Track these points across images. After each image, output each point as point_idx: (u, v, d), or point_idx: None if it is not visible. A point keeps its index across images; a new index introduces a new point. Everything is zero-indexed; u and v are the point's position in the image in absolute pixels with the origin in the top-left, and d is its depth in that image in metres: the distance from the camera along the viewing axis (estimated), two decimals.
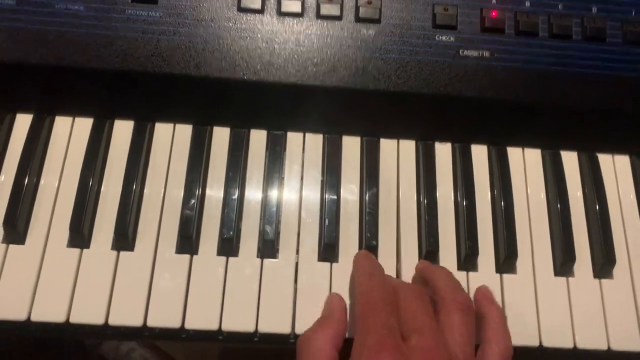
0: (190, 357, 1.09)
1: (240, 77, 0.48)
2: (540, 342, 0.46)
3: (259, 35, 0.48)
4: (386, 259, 0.47)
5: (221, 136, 0.51)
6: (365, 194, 0.49)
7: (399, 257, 0.48)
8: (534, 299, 0.48)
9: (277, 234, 0.47)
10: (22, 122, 0.49)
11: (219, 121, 0.51)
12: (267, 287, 0.46)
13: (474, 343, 0.40)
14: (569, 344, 0.46)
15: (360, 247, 0.48)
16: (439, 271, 0.44)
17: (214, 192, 0.48)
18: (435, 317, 0.40)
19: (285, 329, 0.44)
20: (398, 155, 0.52)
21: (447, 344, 0.38)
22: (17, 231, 0.45)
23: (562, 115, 0.51)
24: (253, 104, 0.50)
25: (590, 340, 0.47)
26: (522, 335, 0.46)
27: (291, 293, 0.46)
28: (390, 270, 0.47)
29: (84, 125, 0.50)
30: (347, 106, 0.50)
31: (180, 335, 0.44)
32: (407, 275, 0.47)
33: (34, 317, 0.43)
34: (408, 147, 0.52)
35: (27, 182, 0.46)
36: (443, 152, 0.52)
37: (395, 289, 0.41)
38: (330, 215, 0.48)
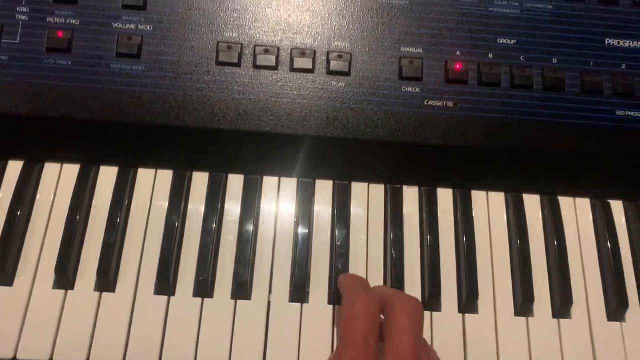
0: None
1: (217, 126, 0.51)
2: None
3: (235, 87, 0.51)
4: None
5: (200, 180, 0.54)
6: (336, 236, 0.52)
7: None
8: (494, 338, 0.50)
9: (251, 275, 0.50)
10: (13, 169, 0.52)
11: (198, 166, 0.54)
12: (240, 328, 0.48)
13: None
14: None
15: (329, 288, 0.51)
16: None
17: (193, 234, 0.51)
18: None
19: None
20: (368, 198, 0.54)
21: None
22: (5, 273, 0.48)
23: (524, 160, 0.54)
24: (230, 150, 0.53)
25: None
26: None
27: (262, 333, 0.48)
28: None
29: (72, 171, 0.53)
30: (320, 153, 0.53)
31: None
32: None
33: (20, 356, 0.46)
34: (378, 190, 0.55)
35: (17, 226, 0.49)
36: (410, 195, 0.55)
37: (391, 302, 0.41)
38: (301, 257, 0.51)
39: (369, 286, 0.45)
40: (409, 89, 0.53)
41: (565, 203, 0.56)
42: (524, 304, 0.51)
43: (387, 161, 0.54)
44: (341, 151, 0.53)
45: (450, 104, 0.53)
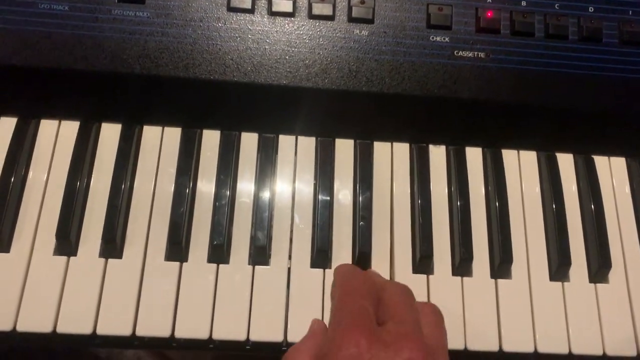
0: (184, 356, 1.09)
1: (230, 78, 0.47)
2: (535, 348, 0.46)
3: (249, 36, 0.47)
4: (380, 264, 0.47)
5: (211, 139, 0.49)
6: (359, 198, 0.48)
7: (393, 262, 0.47)
8: (529, 304, 0.47)
9: (270, 239, 0.46)
10: (6, 126, 0.48)
11: (208, 124, 0.50)
12: (258, 295, 0.45)
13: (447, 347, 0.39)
14: (564, 350, 0.46)
15: (353, 253, 0.47)
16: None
17: (204, 197, 0.47)
18: None
19: (277, 337, 0.44)
20: (392, 159, 0.51)
21: (426, 337, 0.36)
22: (1, 239, 0.44)
23: (558, 117, 0.51)
24: (243, 106, 0.49)
25: (586, 345, 0.46)
26: (517, 341, 0.46)
27: (283, 300, 0.45)
28: (385, 275, 0.46)
29: (70, 128, 0.48)
30: (340, 109, 0.49)
31: (170, 344, 0.44)
32: (401, 279, 0.46)
33: (20, 327, 0.42)
34: (402, 150, 0.51)
35: (12, 187, 0.45)
36: (437, 155, 0.51)
37: (382, 285, 0.40)
38: (323, 221, 0.47)
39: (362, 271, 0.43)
40: (438, 39, 0.49)
41: (600, 163, 0.52)
42: (559, 269, 0.48)
43: (413, 118, 0.50)
44: (363, 107, 0.49)
45: (482, 54, 0.49)
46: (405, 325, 0.36)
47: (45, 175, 0.47)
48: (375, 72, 0.48)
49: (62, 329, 0.43)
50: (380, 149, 0.51)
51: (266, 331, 0.44)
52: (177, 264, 0.45)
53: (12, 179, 0.45)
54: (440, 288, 0.47)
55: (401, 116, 0.50)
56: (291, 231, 0.47)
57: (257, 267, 0.46)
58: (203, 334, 0.43)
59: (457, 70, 0.48)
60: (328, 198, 0.48)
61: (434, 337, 0.37)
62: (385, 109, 0.49)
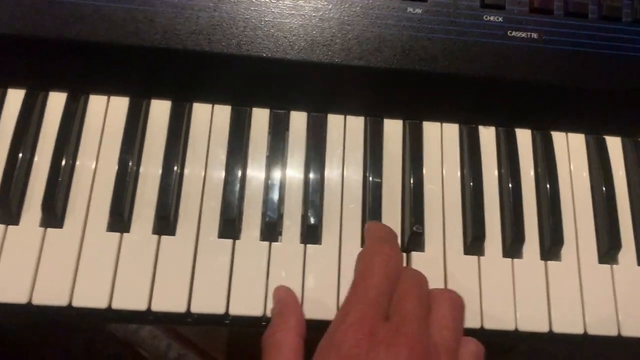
0: (201, 338, 1.09)
1: (282, 56, 0.46)
2: (585, 330, 0.46)
3: (303, 13, 0.46)
4: (430, 245, 0.47)
5: (261, 117, 0.49)
6: (409, 180, 0.48)
7: (445, 242, 0.47)
8: (578, 286, 0.47)
9: (320, 219, 0.46)
10: (56, 101, 0.47)
11: (258, 102, 0.49)
12: (310, 272, 0.45)
13: (460, 340, 0.38)
14: (613, 332, 0.46)
15: (403, 232, 0.47)
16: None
17: (255, 174, 0.47)
18: None
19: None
20: (442, 140, 0.50)
21: (431, 337, 0.36)
22: (55, 214, 0.44)
23: (608, 100, 0.50)
24: (295, 84, 0.48)
25: (635, 328, 0.46)
26: (566, 323, 0.46)
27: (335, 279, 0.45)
28: (437, 257, 0.46)
29: (120, 104, 0.48)
30: (390, 88, 0.49)
31: (223, 321, 0.43)
32: (452, 260, 0.46)
33: (75, 303, 0.42)
34: (451, 130, 0.51)
35: (64, 164, 0.45)
36: (487, 136, 0.51)
37: (399, 272, 0.39)
38: (373, 202, 0.47)
39: (395, 241, 0.42)
40: (491, 18, 0.48)
41: None
42: (609, 251, 0.48)
43: (463, 98, 0.50)
44: (415, 86, 0.49)
45: (535, 35, 0.48)
46: (409, 325, 0.35)
47: (96, 151, 0.46)
48: (428, 51, 0.47)
49: (116, 304, 0.42)
50: (430, 129, 0.50)
51: (321, 310, 0.44)
52: (229, 241, 0.45)
53: (64, 155, 0.45)
54: (490, 269, 0.47)
55: (452, 96, 0.50)
56: (341, 211, 0.47)
57: (308, 245, 0.45)
58: (257, 312, 0.43)
59: (510, 50, 0.48)
60: (379, 180, 0.48)
61: (440, 336, 0.36)
62: (437, 88, 0.49)
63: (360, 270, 0.39)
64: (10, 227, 0.44)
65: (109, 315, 0.42)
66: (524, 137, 0.51)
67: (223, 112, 0.49)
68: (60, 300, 0.42)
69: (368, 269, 0.38)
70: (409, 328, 0.35)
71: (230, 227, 0.45)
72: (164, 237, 0.44)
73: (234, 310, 0.43)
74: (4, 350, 1.02)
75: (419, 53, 0.47)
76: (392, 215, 0.47)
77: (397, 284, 0.38)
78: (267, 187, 0.46)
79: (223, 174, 0.46)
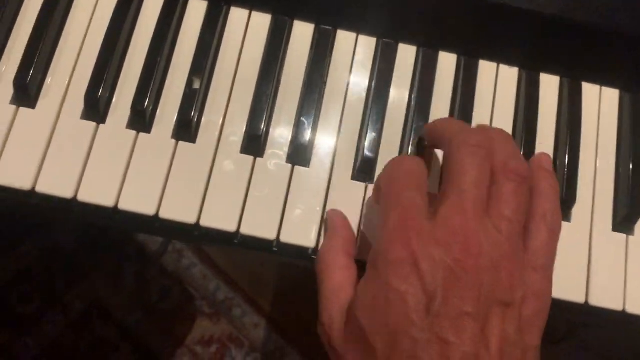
0: (248, 284, 1.08)
1: None
2: (587, 300, 0.42)
3: None
4: None
5: (303, 32, 0.45)
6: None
7: None
8: (587, 253, 0.42)
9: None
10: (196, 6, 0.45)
11: (301, 15, 0.45)
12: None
13: (523, 219, 0.33)
14: (618, 306, 0.42)
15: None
16: (496, 132, 0.36)
17: (290, 89, 0.44)
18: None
19: (307, 241, 0.41)
20: (496, 82, 0.46)
21: (491, 218, 0.32)
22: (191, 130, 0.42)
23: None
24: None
25: None
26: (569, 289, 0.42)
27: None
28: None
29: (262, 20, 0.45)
30: (446, 18, 0.44)
31: (233, 240, 0.41)
32: None
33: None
34: (509, 74, 0.46)
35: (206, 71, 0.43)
36: (548, 83, 0.46)
37: (450, 135, 0.35)
38: None
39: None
40: None
41: None
42: (627, 219, 0.43)
43: (525, 39, 0.45)
44: (472, 17, 0.44)
45: None
46: (460, 215, 0.31)
47: (235, 65, 0.44)
48: None
49: (123, 206, 0.40)
50: (486, 68, 0.46)
51: (296, 235, 0.41)
52: (251, 158, 0.42)
53: (208, 62, 0.43)
54: None
55: (513, 36, 0.44)
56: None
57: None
58: (271, 235, 0.40)
59: None
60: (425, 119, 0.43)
61: (501, 215, 0.32)
62: (492, 24, 0.44)
63: (385, 176, 0.36)
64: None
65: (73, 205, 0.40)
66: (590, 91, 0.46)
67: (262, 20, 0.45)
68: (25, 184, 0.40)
69: (393, 170, 0.36)
70: (457, 220, 0.31)
71: (255, 143, 0.42)
72: (181, 143, 0.42)
73: (245, 230, 0.40)
74: (59, 275, 1.05)
75: None
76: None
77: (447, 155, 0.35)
78: (301, 109, 0.43)
79: (253, 86, 0.43)
